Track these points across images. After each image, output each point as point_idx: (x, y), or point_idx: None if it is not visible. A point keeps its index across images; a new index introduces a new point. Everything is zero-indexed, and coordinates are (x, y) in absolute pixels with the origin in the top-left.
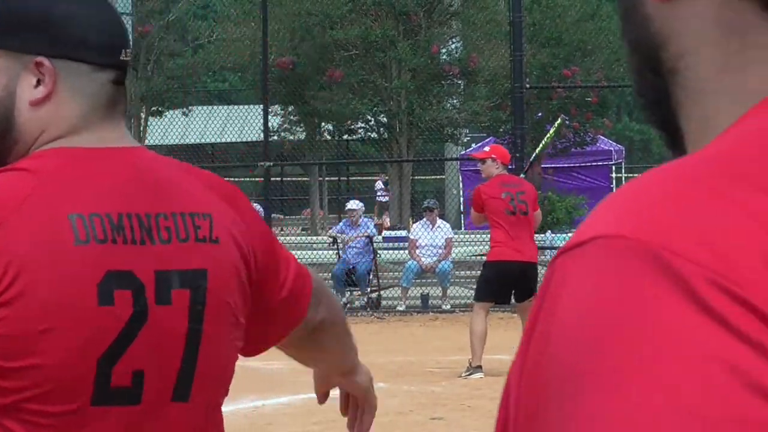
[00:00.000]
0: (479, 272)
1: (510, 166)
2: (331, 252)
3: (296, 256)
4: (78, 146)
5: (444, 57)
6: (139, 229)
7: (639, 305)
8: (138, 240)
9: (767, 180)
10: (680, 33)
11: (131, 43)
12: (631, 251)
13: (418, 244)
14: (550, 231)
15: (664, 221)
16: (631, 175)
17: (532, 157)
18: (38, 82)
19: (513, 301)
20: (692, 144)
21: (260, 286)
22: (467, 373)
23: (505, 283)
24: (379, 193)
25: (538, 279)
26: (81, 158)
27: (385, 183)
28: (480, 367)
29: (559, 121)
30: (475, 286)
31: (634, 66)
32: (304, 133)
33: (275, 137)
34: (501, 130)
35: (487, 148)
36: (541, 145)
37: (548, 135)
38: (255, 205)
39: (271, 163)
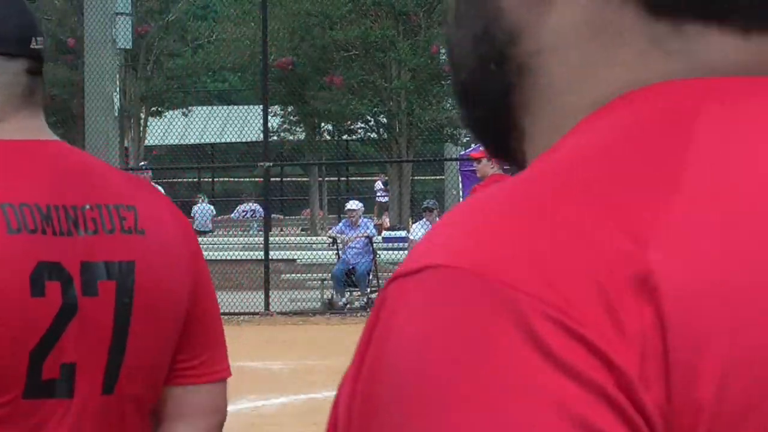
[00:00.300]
0: None
1: (507, 167)
2: (330, 252)
3: (296, 257)
4: None
5: (444, 57)
6: (66, 220)
7: (476, 340)
8: (66, 231)
9: (605, 194)
10: (539, 29)
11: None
12: (467, 283)
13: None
14: None
15: (499, 250)
16: None
17: None
18: None
19: None
20: (536, 147)
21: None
22: None
23: None
24: (378, 194)
25: None
26: (2, 150)
27: (385, 183)
28: None
29: None
30: None
31: (473, 58)
32: (304, 134)
33: (275, 137)
34: None
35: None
36: None
37: None
38: (255, 205)
39: (271, 164)
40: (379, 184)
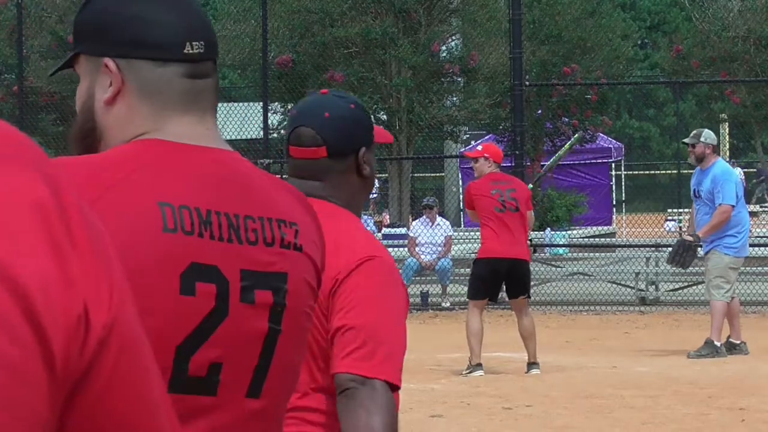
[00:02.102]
0: None
1: (508, 164)
2: None
3: None
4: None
5: (444, 55)
6: (228, 227)
7: None
8: (225, 238)
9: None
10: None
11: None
12: None
13: (417, 241)
14: (549, 229)
15: None
16: (630, 172)
17: (544, 169)
18: (110, 83)
19: (506, 298)
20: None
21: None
22: (467, 371)
23: (494, 280)
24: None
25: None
26: (171, 151)
27: (385, 181)
28: (480, 365)
29: (576, 135)
30: None
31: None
32: None
33: (275, 134)
34: (500, 127)
35: (479, 147)
36: (554, 157)
37: (564, 149)
38: None
39: (271, 161)
40: None
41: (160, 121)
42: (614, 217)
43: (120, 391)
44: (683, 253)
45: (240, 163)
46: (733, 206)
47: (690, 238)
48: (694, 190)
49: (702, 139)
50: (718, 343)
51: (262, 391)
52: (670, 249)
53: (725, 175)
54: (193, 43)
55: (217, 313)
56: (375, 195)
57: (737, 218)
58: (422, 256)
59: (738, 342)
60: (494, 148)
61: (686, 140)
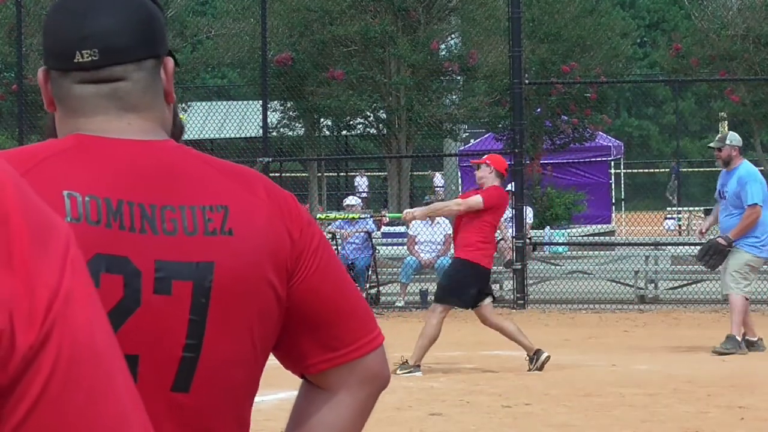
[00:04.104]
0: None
1: (508, 162)
2: None
3: None
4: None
5: (443, 53)
6: (140, 218)
7: None
8: (138, 228)
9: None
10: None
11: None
12: None
13: (417, 239)
14: (548, 227)
15: None
16: (629, 170)
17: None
18: None
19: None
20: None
21: (295, 282)
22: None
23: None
24: (358, 189)
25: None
26: (89, 143)
27: (384, 179)
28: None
29: None
30: None
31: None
32: (303, 129)
33: (274, 133)
34: (500, 125)
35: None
36: None
37: None
38: None
39: (270, 159)
40: (357, 180)
41: (72, 123)
42: (613, 215)
43: (53, 413)
44: (713, 255)
45: (169, 153)
46: (760, 206)
47: (723, 242)
48: (719, 191)
49: (728, 141)
50: (738, 338)
51: (191, 386)
52: (700, 247)
53: (750, 176)
54: (83, 51)
55: (126, 304)
56: (366, 194)
57: (761, 218)
58: (421, 255)
59: (755, 339)
60: (497, 157)
61: (712, 144)
